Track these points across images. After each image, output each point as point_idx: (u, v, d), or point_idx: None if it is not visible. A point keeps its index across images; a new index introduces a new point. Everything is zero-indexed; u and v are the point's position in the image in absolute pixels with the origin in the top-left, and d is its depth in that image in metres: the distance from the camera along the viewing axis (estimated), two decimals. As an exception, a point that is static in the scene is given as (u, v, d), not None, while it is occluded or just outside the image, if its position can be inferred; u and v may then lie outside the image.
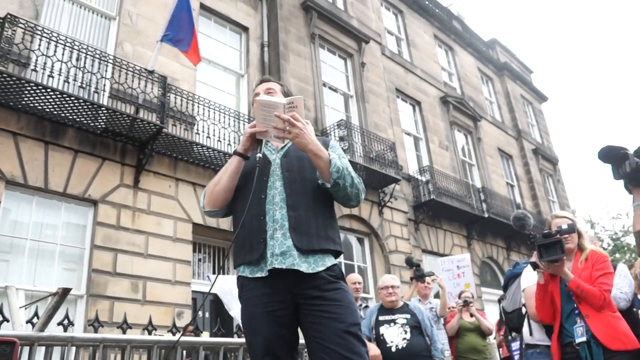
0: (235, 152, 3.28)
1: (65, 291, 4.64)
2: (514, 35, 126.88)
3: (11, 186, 10.09)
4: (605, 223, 55.10)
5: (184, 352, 5.72)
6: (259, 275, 3.11)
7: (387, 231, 17.14)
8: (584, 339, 4.32)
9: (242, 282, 3.19)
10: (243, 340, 6.22)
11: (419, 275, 9.17)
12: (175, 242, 11.85)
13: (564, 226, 4.68)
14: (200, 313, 12.23)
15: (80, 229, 10.91)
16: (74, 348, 4.66)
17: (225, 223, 12.80)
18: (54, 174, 10.57)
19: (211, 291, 11.39)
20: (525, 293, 5.21)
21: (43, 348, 4.52)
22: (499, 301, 9.82)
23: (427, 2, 26.91)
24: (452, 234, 20.76)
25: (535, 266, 4.58)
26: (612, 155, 3.26)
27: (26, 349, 4.35)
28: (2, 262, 9.74)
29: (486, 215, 21.29)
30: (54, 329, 4.66)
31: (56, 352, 4.70)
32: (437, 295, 10.23)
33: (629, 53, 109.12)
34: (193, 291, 11.92)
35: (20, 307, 4.78)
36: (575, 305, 4.46)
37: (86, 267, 10.58)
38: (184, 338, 5.63)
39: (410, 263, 9.62)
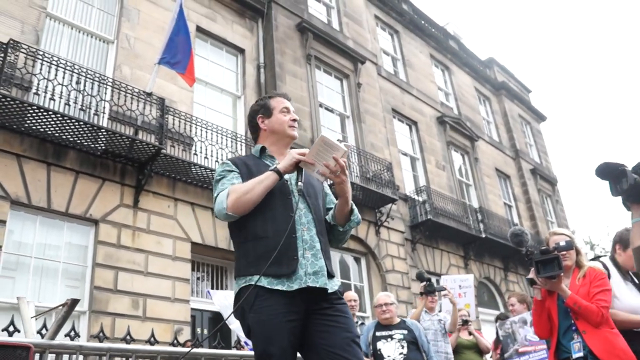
0: (277, 171, 3.29)
1: (74, 302, 4.86)
2: (512, 54, 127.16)
3: (16, 206, 10.35)
4: (605, 244, 54.98)
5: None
6: (279, 287, 3.19)
7: (383, 251, 17.30)
8: (581, 354, 4.36)
9: (257, 291, 3.19)
10: (243, 353, 6.43)
11: (430, 291, 8.81)
12: (175, 260, 12.06)
13: (562, 243, 4.71)
14: (198, 329, 12.42)
15: (82, 248, 11.15)
16: (81, 357, 4.86)
17: (224, 242, 13.04)
18: (56, 194, 10.81)
19: (212, 307, 11.59)
20: None
21: (53, 356, 4.74)
22: (496, 320, 10.03)
23: (423, 22, 27.14)
24: (449, 254, 20.82)
25: (532, 282, 4.64)
26: (610, 172, 3.22)
27: (37, 356, 4.52)
28: (9, 279, 9.97)
29: (483, 236, 21.30)
30: (61, 340, 4.89)
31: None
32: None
33: (628, 72, 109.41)
34: (192, 309, 12.14)
35: (32, 317, 4.99)
36: (573, 322, 4.51)
37: (88, 284, 10.80)
38: (185, 349, 5.81)
39: (421, 278, 9.15)
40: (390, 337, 7.00)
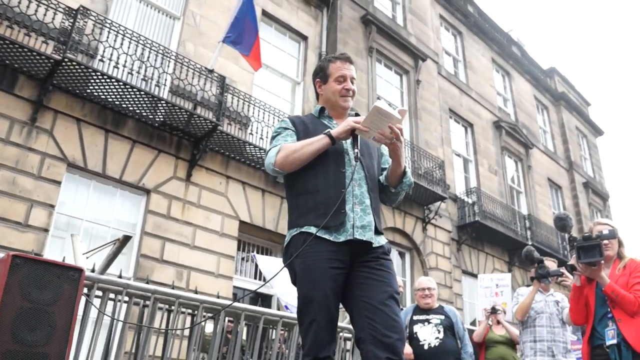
0: (329, 135, 3.33)
1: (126, 238, 4.96)
2: (573, 65, 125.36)
3: (72, 169, 10.59)
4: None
5: (227, 319, 5.95)
6: (327, 237, 3.25)
7: (429, 248, 17.28)
8: (614, 341, 4.36)
9: (305, 237, 3.25)
10: (283, 313, 6.49)
11: (542, 275, 6.98)
12: (222, 237, 12.20)
13: (605, 231, 4.71)
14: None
15: (133, 215, 11.36)
16: (127, 297, 4.96)
17: (271, 224, 13.15)
18: (112, 161, 11.02)
19: (254, 286, 11.69)
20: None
21: (100, 292, 4.83)
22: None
23: (487, 26, 26.90)
24: (494, 258, 20.72)
25: (572, 268, 4.66)
26: None
27: (84, 290, 4.62)
28: (58, 240, 10.16)
29: (530, 243, 20.89)
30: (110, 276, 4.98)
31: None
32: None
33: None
34: (234, 286, 12.28)
35: (84, 254, 5.08)
36: (609, 309, 4.50)
37: (135, 252, 11.00)
38: (227, 302, 5.89)
39: (531, 258, 7.17)
40: (428, 321, 6.98)
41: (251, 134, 12.92)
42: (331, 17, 17.28)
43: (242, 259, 13.30)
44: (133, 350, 5.35)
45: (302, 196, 3.42)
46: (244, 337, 7.00)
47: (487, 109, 24.20)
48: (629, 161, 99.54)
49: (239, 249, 12.94)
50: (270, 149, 3.49)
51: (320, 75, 3.75)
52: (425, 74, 20.07)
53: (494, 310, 8.88)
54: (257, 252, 13.37)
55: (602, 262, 4.48)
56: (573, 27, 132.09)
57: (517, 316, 7.09)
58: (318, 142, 3.34)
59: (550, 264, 6.85)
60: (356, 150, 3.33)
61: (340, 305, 3.34)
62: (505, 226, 20.57)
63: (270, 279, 5.00)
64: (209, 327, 6.73)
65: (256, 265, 12.41)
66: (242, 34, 12.08)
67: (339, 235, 3.27)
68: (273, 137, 3.60)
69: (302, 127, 3.59)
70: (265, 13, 15.46)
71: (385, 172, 3.65)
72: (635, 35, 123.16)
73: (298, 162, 3.34)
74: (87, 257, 5.24)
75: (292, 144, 3.43)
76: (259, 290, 12.65)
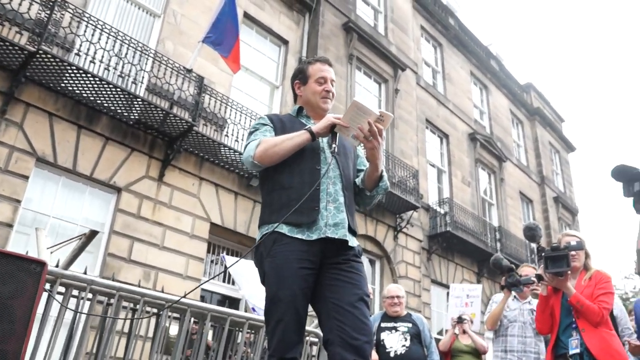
0: (310, 131, 3.33)
1: (93, 233, 4.87)
2: (549, 81, 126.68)
3: (41, 164, 10.41)
4: (616, 282, 54.54)
5: (192, 319, 5.88)
6: (299, 236, 3.23)
7: (399, 256, 17.29)
8: (577, 350, 4.44)
9: (275, 237, 3.24)
10: (250, 315, 6.44)
11: (512, 283, 6.47)
12: (192, 238, 12.10)
13: (573, 243, 4.78)
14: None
15: (102, 214, 11.20)
16: (90, 295, 4.86)
17: (243, 227, 13.08)
18: (83, 158, 10.86)
19: (222, 289, 11.60)
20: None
21: (63, 289, 4.72)
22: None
23: (467, 39, 27.05)
24: (463, 269, 20.85)
25: (540, 278, 4.73)
26: (625, 174, 3.39)
27: (47, 286, 4.51)
28: (23, 236, 9.98)
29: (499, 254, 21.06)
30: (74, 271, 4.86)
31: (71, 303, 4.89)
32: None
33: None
34: (202, 289, 12.16)
35: (48, 248, 4.98)
36: (574, 320, 4.58)
37: (102, 250, 10.85)
38: (193, 302, 5.81)
39: (499, 266, 6.56)
40: (395, 329, 7.01)
41: (227, 136, 12.83)
42: (313, 22, 17.25)
43: (212, 261, 13.18)
44: (94, 351, 5.25)
45: (275, 192, 3.40)
46: (210, 338, 6.95)
47: (463, 121, 24.35)
48: (599, 178, 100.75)
49: (208, 251, 12.83)
50: (249, 143, 3.45)
51: (300, 77, 3.74)
52: (404, 84, 20.10)
53: (460, 320, 8.89)
54: (227, 255, 13.29)
55: (569, 272, 4.56)
56: (551, 45, 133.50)
57: (487, 325, 6.85)
58: (298, 137, 3.33)
59: (531, 271, 6.72)
60: (334, 145, 3.31)
61: (309, 310, 3.30)
62: (476, 237, 20.74)
63: (232, 265, 4.92)
64: (173, 329, 6.66)
65: (225, 269, 12.33)
66: (223, 35, 11.99)
67: (311, 233, 3.25)
68: (251, 133, 3.57)
69: (280, 125, 3.57)
70: (247, 15, 15.37)
71: (361, 175, 3.63)
72: (610, 56, 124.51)
73: (277, 156, 3.31)
74: (51, 252, 5.14)
75: (272, 138, 3.41)
76: (227, 294, 12.66)
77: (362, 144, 3.38)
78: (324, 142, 3.51)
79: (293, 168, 3.39)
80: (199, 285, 4.36)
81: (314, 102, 3.67)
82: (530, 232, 4.85)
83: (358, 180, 3.64)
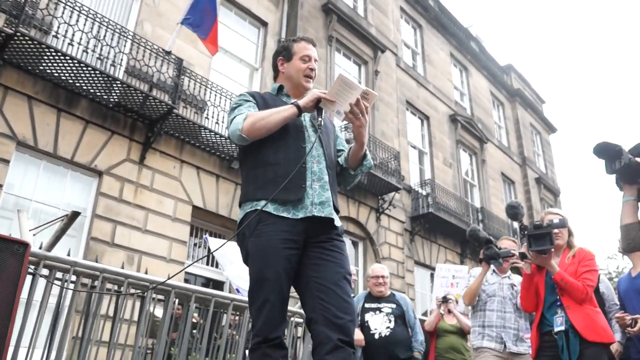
0: (297, 106, 3.28)
1: (75, 214, 4.79)
2: (530, 63, 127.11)
3: (21, 147, 10.30)
4: (599, 262, 54.95)
5: (177, 300, 5.84)
6: (284, 215, 3.21)
7: (382, 238, 17.33)
8: (562, 328, 4.46)
9: (261, 216, 3.20)
10: (234, 296, 6.41)
11: (490, 256, 6.02)
12: (174, 221, 12.05)
13: (555, 220, 4.78)
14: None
15: (84, 197, 11.13)
16: (74, 277, 4.80)
17: (225, 210, 13.04)
18: (63, 141, 10.76)
19: (206, 273, 11.58)
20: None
21: (47, 271, 4.66)
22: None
23: (447, 20, 27.09)
24: (446, 250, 20.94)
25: (523, 256, 4.73)
26: (607, 151, 3.37)
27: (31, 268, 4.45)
28: (5, 220, 9.90)
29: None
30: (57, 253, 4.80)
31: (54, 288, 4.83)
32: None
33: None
34: (186, 272, 12.09)
35: (30, 230, 4.91)
36: (558, 297, 4.60)
37: (85, 234, 10.79)
38: (177, 283, 5.78)
39: (476, 237, 6.13)
40: (379, 309, 6.98)
41: (207, 118, 12.75)
42: (292, 4, 17.15)
43: (195, 244, 13.14)
44: (79, 335, 5.21)
45: (260, 168, 3.36)
46: (194, 320, 6.91)
47: (444, 103, 24.37)
48: (580, 159, 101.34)
49: (191, 235, 12.79)
50: (234, 117, 3.39)
51: (284, 53, 3.70)
52: (384, 65, 20.08)
53: (445, 299, 8.89)
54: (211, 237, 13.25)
55: (552, 250, 4.56)
56: (531, 26, 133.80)
57: (465, 300, 6.46)
58: (285, 111, 3.28)
59: (510, 244, 6.54)
60: (320, 119, 3.30)
61: (292, 291, 3.28)
62: (458, 218, 20.76)
63: (217, 249, 4.88)
64: (158, 312, 6.62)
65: (209, 252, 12.29)
66: (201, 17, 11.89)
67: (297, 212, 3.23)
68: (234, 108, 3.49)
69: (262, 102, 3.52)
70: (226, -3, 15.26)
71: (344, 154, 3.63)
72: (590, 38, 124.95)
73: (265, 129, 3.26)
74: (33, 235, 5.05)
75: (259, 112, 3.36)
76: (211, 277, 12.62)
77: (345, 121, 3.36)
78: (306, 120, 3.50)
79: (279, 144, 3.35)
80: (184, 268, 4.34)
81: (296, 80, 3.63)
82: (513, 211, 4.84)
83: (341, 159, 3.64)
